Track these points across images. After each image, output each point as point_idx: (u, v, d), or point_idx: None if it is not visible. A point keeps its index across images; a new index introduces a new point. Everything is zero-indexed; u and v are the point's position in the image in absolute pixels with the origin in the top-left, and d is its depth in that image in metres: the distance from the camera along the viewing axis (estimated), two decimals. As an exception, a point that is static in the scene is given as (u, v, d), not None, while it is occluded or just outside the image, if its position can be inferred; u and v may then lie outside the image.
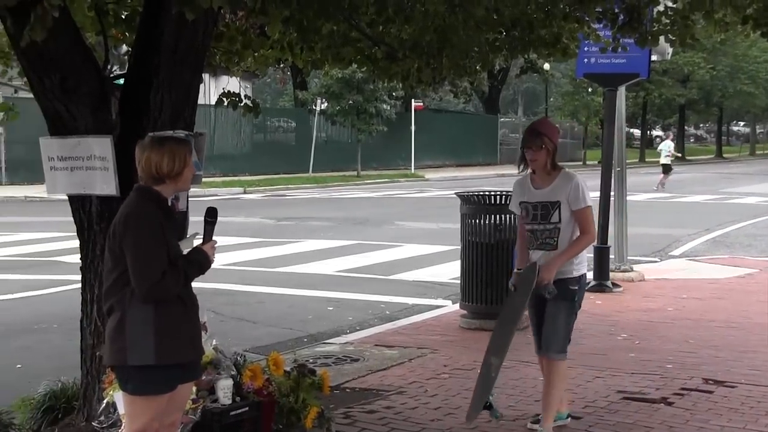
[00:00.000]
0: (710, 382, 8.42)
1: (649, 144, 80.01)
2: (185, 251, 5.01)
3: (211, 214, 5.22)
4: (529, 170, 6.88)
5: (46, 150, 6.59)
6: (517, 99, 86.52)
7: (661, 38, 8.83)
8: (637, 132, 79.67)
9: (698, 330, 10.77)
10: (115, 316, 4.82)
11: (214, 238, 5.13)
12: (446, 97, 70.87)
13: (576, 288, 6.79)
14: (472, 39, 8.80)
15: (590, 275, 13.60)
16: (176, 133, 6.41)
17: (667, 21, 8.62)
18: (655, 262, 16.94)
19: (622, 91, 14.45)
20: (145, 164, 4.86)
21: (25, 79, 7.06)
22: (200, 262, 4.96)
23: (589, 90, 56.19)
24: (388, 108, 43.64)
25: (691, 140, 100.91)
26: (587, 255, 6.96)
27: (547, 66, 56.24)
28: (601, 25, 9.09)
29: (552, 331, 6.81)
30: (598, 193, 14.04)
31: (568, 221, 6.73)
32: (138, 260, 4.72)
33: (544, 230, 6.77)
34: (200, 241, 5.13)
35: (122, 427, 5.26)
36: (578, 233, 6.75)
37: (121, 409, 5.73)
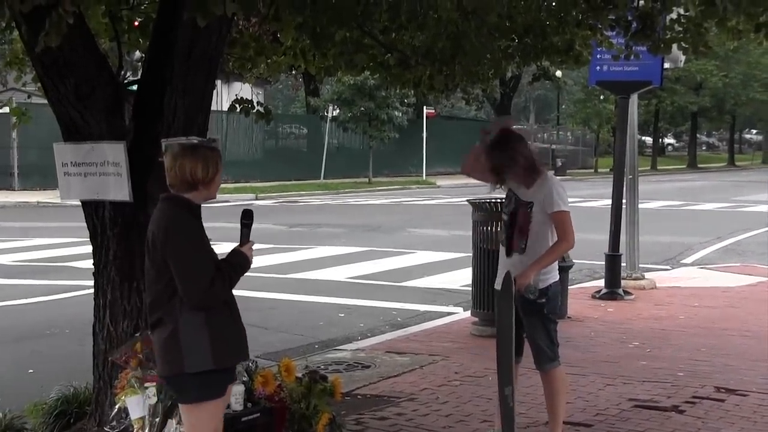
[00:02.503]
0: (722, 390, 8.40)
1: (661, 152, 79.89)
2: None
3: (246, 216, 5.31)
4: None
5: (59, 156, 6.62)
6: (529, 106, 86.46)
7: (674, 46, 8.81)
8: (649, 140, 79.50)
9: (710, 338, 10.74)
10: (167, 327, 4.85)
11: (250, 239, 5.20)
12: (458, 104, 70.87)
13: (543, 301, 6.51)
14: (484, 46, 8.81)
15: (601, 283, 13.61)
16: (189, 139, 6.44)
17: (680, 29, 8.62)
18: (667, 270, 16.90)
19: (634, 98, 14.44)
20: (179, 170, 4.88)
21: (39, 84, 7.10)
22: (241, 264, 5.04)
23: (601, 97, 56.15)
24: (400, 115, 43.65)
25: (704, 148, 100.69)
26: (556, 265, 6.62)
27: (559, 73, 56.08)
28: (614, 33, 9.09)
29: (535, 348, 6.67)
30: (610, 201, 14.05)
31: (538, 225, 6.42)
32: (186, 270, 4.78)
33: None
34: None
35: None
36: (550, 241, 6.47)
37: (140, 413, 5.74)
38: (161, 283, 4.84)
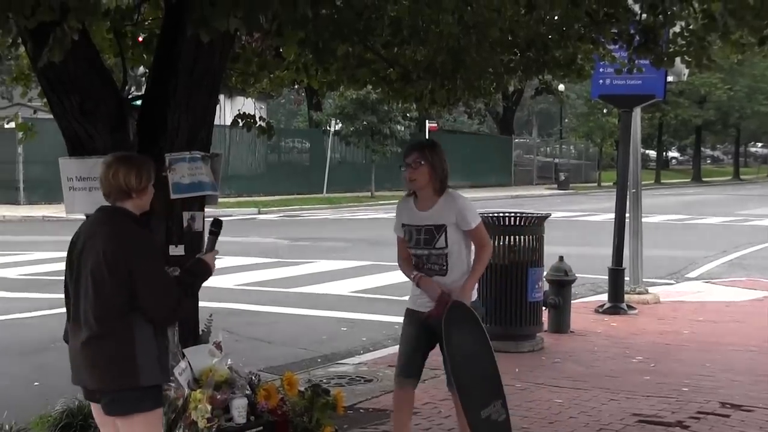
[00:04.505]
0: (727, 405, 8.40)
1: (665, 165, 79.84)
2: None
3: (216, 225, 5.39)
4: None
5: (65, 170, 6.65)
6: (532, 120, 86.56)
7: (677, 59, 8.83)
8: (652, 153, 79.48)
9: (714, 353, 10.73)
10: (118, 341, 4.83)
11: (216, 248, 5.29)
12: (460, 118, 70.95)
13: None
14: (486, 60, 8.84)
15: (605, 297, 13.61)
16: (193, 153, 6.47)
17: (683, 42, 8.62)
18: (671, 284, 16.88)
19: (637, 112, 14.47)
20: (113, 179, 4.92)
21: (44, 99, 7.13)
22: (203, 272, 5.13)
23: (604, 111, 56.10)
24: (402, 129, 43.66)
25: (708, 161, 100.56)
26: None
27: (561, 87, 56.19)
28: (617, 46, 9.12)
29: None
30: (613, 215, 14.06)
31: (457, 244, 6.26)
32: (157, 288, 4.82)
33: (430, 255, 6.29)
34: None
35: None
36: (472, 254, 6.38)
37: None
38: (120, 296, 4.79)
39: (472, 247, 6.41)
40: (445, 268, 6.27)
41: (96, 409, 5.19)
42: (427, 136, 46.74)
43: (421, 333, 6.42)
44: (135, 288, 4.78)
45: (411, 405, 6.68)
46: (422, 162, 6.20)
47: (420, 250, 6.33)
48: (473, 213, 6.31)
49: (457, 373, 6.11)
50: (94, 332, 4.88)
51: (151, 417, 5.00)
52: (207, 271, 5.16)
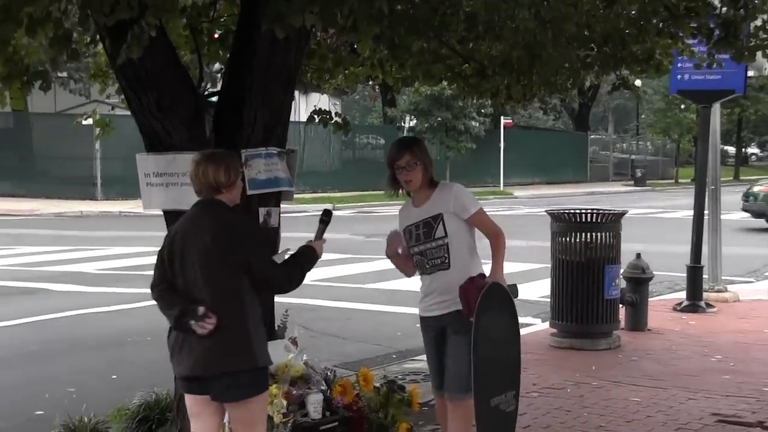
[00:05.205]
0: (808, 405, 8.24)
1: (744, 162, 78.61)
2: None
3: (326, 214, 5.74)
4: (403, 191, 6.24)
5: (142, 166, 6.71)
6: (608, 116, 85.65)
7: (759, 53, 8.67)
8: (731, 149, 78.27)
9: (796, 352, 10.54)
10: (234, 325, 5.03)
11: (324, 236, 5.60)
12: (535, 114, 70.54)
13: (472, 319, 5.90)
14: (562, 55, 8.75)
15: (683, 295, 13.43)
16: (269, 149, 6.49)
17: (765, 36, 8.46)
18: (751, 282, 16.61)
19: (716, 107, 14.25)
20: (202, 176, 5.15)
21: (122, 96, 7.21)
22: (310, 258, 5.39)
23: (682, 107, 55.41)
24: (477, 125, 43.57)
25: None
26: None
27: (639, 82, 55.61)
28: (696, 41, 8.97)
29: (457, 371, 5.98)
30: (691, 212, 13.87)
31: (457, 233, 6.02)
32: (271, 265, 5.20)
33: (430, 249, 6.06)
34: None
35: None
36: (471, 245, 6.12)
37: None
38: (232, 281, 5.05)
39: (473, 239, 6.15)
40: (447, 261, 6.02)
41: (194, 400, 5.30)
42: (502, 133, 46.58)
43: (438, 343, 6.16)
44: (249, 270, 5.05)
45: (453, 416, 6.23)
46: (417, 163, 6.06)
47: (421, 245, 6.10)
48: (471, 199, 6.13)
49: (477, 354, 5.81)
50: (218, 321, 5.04)
51: (264, 398, 5.28)
52: (315, 257, 5.42)
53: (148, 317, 12.36)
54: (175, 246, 5.21)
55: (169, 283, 5.25)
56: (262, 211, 6.63)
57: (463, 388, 5.94)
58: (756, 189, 27.61)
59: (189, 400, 5.35)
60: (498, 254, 6.11)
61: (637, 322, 11.64)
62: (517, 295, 6.27)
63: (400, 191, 6.27)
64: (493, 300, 5.93)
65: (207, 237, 5.05)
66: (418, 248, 6.13)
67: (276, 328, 6.78)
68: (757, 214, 26.37)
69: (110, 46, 6.32)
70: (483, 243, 6.11)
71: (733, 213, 28.54)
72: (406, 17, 7.72)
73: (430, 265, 6.09)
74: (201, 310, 4.97)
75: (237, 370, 5.05)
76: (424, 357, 10.15)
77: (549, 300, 11.11)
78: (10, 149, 37.58)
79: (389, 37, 8.07)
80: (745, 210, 27.25)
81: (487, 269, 6.12)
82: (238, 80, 6.68)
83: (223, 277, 5.04)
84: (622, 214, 10.98)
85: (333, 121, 8.80)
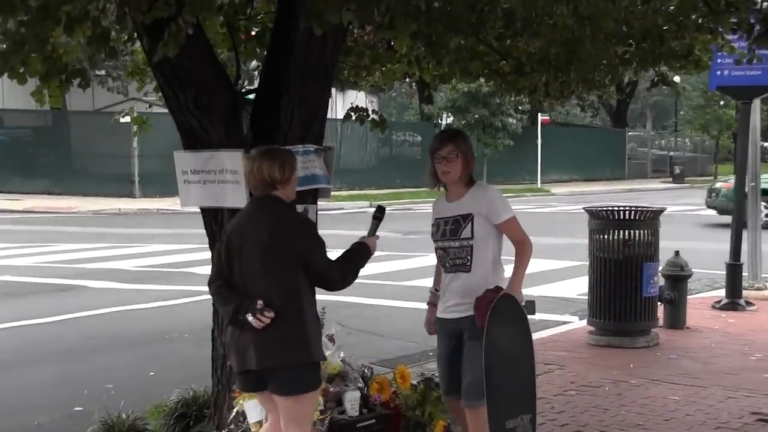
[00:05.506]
0: None
1: (784, 158, 77.85)
2: None
3: (379, 211, 5.78)
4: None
5: (179, 163, 6.73)
6: (646, 112, 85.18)
7: (800, 49, 8.57)
8: (771, 146, 77.62)
9: (837, 350, 10.43)
10: (291, 319, 5.09)
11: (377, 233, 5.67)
12: (573, 110, 70.23)
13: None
14: (600, 52, 8.71)
15: (722, 293, 13.32)
16: (306, 146, 6.49)
17: (807, 31, 8.37)
18: (791, 279, 16.44)
19: (756, 103, 14.11)
20: (257, 173, 5.21)
21: (159, 94, 7.24)
22: (363, 254, 5.47)
23: (722, 103, 54.99)
24: (514, 122, 43.45)
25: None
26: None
27: (677, 79, 55.23)
28: (736, 36, 8.88)
29: (473, 379, 5.82)
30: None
31: (484, 237, 5.89)
32: (326, 261, 5.21)
33: (453, 247, 5.94)
34: None
35: None
36: (496, 252, 6.00)
37: (257, 416, 5.81)
38: (289, 276, 5.11)
39: (500, 247, 6.05)
40: (469, 263, 5.89)
41: (261, 396, 5.42)
42: (539, 129, 46.43)
43: (452, 349, 6.05)
44: (305, 266, 5.11)
45: (468, 423, 6.13)
46: (458, 155, 5.96)
47: (445, 241, 5.99)
48: (505, 205, 6.01)
49: (489, 371, 5.67)
50: (283, 314, 5.11)
51: (316, 394, 5.35)
52: (368, 253, 5.49)
53: (186, 314, 12.47)
54: (231, 242, 5.25)
55: (225, 279, 5.28)
56: (299, 208, 6.63)
57: (474, 395, 5.84)
58: (718, 185, 27.48)
59: (257, 396, 5.54)
60: (520, 265, 6.01)
61: (676, 319, 11.56)
62: (533, 313, 6.14)
63: (440, 188, 6.20)
64: (503, 312, 5.77)
65: (264, 233, 5.10)
66: (441, 244, 6.04)
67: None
68: (720, 211, 25.87)
69: (147, 44, 6.34)
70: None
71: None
72: (443, 14, 7.70)
73: (450, 263, 5.99)
74: (260, 303, 5.02)
75: (293, 364, 5.10)
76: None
77: (587, 298, 11.05)
78: (48, 147, 37.92)
79: (426, 34, 8.05)
80: (708, 206, 26.96)
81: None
82: (275, 78, 6.68)
83: (280, 273, 5.09)
84: (661, 211, 10.91)
85: (369, 119, 8.79)
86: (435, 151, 6.02)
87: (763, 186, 26.86)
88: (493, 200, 5.96)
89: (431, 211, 6.27)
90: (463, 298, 5.92)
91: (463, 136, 6.19)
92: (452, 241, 5.95)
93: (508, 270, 6.03)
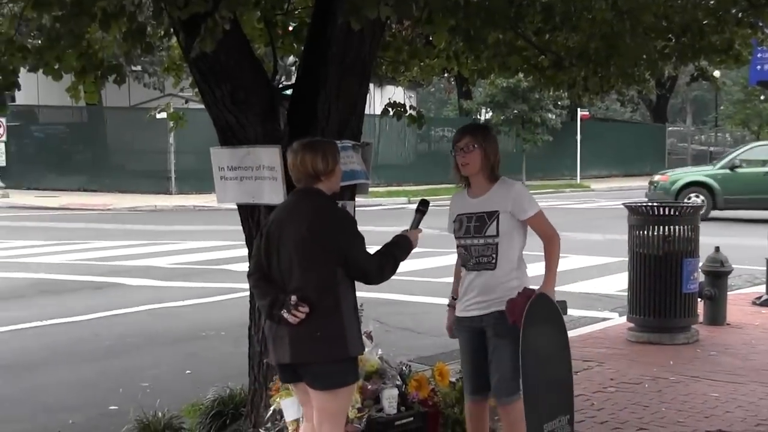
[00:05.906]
0: None
1: (825, 153, 77.10)
2: None
3: (423, 204, 5.74)
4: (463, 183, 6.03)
5: (216, 160, 6.72)
6: (686, 107, 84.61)
7: (841, 43, 8.47)
8: (812, 140, 76.93)
9: None
10: (328, 313, 5.07)
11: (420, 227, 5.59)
12: (612, 105, 69.88)
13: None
14: (640, 46, 8.63)
15: (762, 289, 13.18)
16: (343, 142, 6.46)
17: None
18: (833, 275, 16.25)
19: (798, 98, 13.97)
20: (301, 165, 5.17)
21: (195, 89, 7.23)
22: (405, 247, 5.41)
23: (762, 98, 54.59)
24: (554, 117, 43.29)
25: None
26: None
27: (717, 73, 54.84)
28: (777, 31, 8.80)
29: (501, 377, 5.79)
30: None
31: (509, 234, 5.81)
32: (366, 255, 5.16)
33: (477, 245, 5.85)
34: None
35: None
36: (520, 249, 5.92)
37: (294, 414, 5.79)
38: (328, 269, 5.07)
39: (524, 243, 5.96)
40: (494, 260, 5.80)
41: (297, 388, 5.40)
42: (579, 125, 46.24)
43: (476, 347, 5.94)
44: (344, 260, 5.09)
45: (486, 415, 6.17)
46: (475, 146, 5.83)
47: (469, 239, 5.88)
48: (531, 200, 5.89)
49: (526, 373, 5.58)
50: (318, 308, 5.09)
51: (352, 389, 5.33)
52: (409, 247, 5.44)
53: (223, 312, 12.49)
54: (271, 235, 5.22)
55: (263, 272, 5.26)
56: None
57: (510, 390, 5.77)
58: (656, 177, 27.53)
59: (293, 388, 5.52)
60: (551, 263, 5.94)
61: (716, 316, 11.46)
62: (566, 312, 6.08)
63: (464, 183, 6.07)
64: (539, 312, 5.68)
65: (303, 226, 5.08)
66: (464, 241, 5.93)
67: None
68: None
69: (184, 40, 6.33)
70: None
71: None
72: (481, 9, 7.66)
73: (474, 262, 5.89)
74: (293, 299, 4.99)
75: (326, 359, 5.08)
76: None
77: (626, 294, 10.96)
78: (84, 143, 38.17)
79: (465, 29, 8.02)
80: (649, 198, 26.74)
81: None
82: (312, 73, 6.65)
83: (319, 267, 5.06)
84: (701, 206, 10.80)
85: (407, 114, 8.76)
86: (455, 143, 5.97)
87: None
88: (518, 197, 5.86)
89: (449, 204, 6.19)
90: (487, 295, 5.85)
91: (484, 130, 6.09)
92: (476, 239, 5.86)
93: (530, 266, 5.98)
